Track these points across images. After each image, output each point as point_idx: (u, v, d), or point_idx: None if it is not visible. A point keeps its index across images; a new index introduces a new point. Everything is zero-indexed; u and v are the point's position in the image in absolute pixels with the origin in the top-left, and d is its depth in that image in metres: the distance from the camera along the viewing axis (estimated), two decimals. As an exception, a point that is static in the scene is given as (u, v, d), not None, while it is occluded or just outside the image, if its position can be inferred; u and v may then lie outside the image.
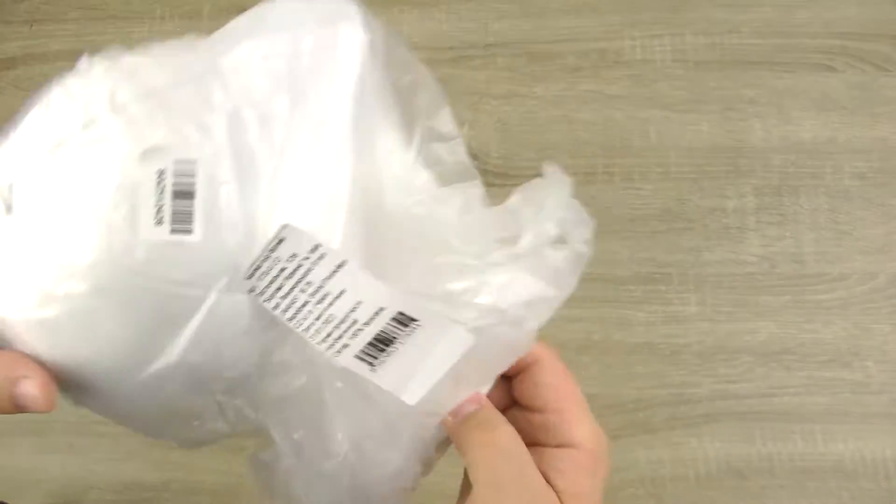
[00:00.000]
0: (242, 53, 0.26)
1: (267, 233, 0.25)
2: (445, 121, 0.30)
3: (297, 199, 0.26)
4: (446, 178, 0.29)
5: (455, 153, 0.30)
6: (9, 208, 0.25)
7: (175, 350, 0.26)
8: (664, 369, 0.68)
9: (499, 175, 0.74)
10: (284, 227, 0.25)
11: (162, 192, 0.24)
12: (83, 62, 0.27)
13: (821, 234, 0.72)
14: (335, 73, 0.27)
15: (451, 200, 0.29)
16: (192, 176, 0.25)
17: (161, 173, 0.24)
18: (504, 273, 0.28)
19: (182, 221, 0.25)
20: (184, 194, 0.24)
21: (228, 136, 0.25)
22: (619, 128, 0.75)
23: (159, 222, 0.24)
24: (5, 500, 0.66)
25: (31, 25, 0.79)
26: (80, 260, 0.24)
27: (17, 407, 0.26)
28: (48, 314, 0.25)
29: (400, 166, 0.29)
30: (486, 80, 0.77)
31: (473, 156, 0.80)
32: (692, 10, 0.78)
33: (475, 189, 0.30)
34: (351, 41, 0.27)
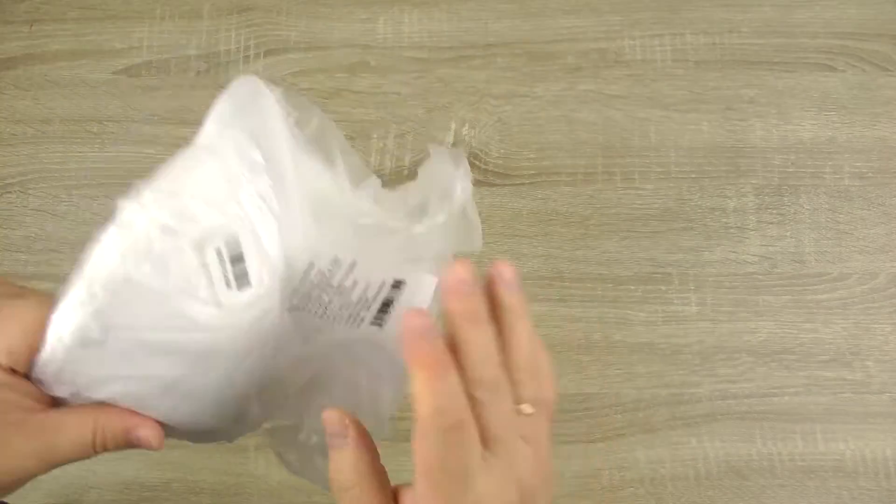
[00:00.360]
0: (225, 149, 0.34)
1: (293, 264, 0.34)
2: (343, 141, 0.38)
3: (297, 237, 0.34)
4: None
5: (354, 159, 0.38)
6: (100, 342, 0.31)
7: (265, 353, 0.35)
8: (664, 369, 0.68)
9: (499, 175, 0.74)
10: (312, 257, 0.34)
11: (223, 263, 0.32)
12: (119, 209, 0.31)
13: (821, 233, 0.72)
14: (276, 136, 0.34)
15: (366, 192, 0.37)
16: (238, 244, 0.32)
17: (219, 251, 0.32)
18: (436, 235, 0.36)
19: (243, 277, 0.32)
20: (237, 259, 0.32)
21: (247, 208, 0.33)
22: (619, 128, 0.75)
23: (228, 285, 0.32)
24: (5, 500, 0.66)
25: (31, 25, 0.79)
26: (183, 339, 0.32)
27: (130, 445, 0.33)
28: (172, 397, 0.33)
29: (330, 183, 0.37)
30: (486, 80, 0.77)
31: (474, 155, 0.80)
32: (692, 10, 0.78)
33: (376, 181, 0.38)
34: (273, 110, 0.34)
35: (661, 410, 0.68)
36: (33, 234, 0.73)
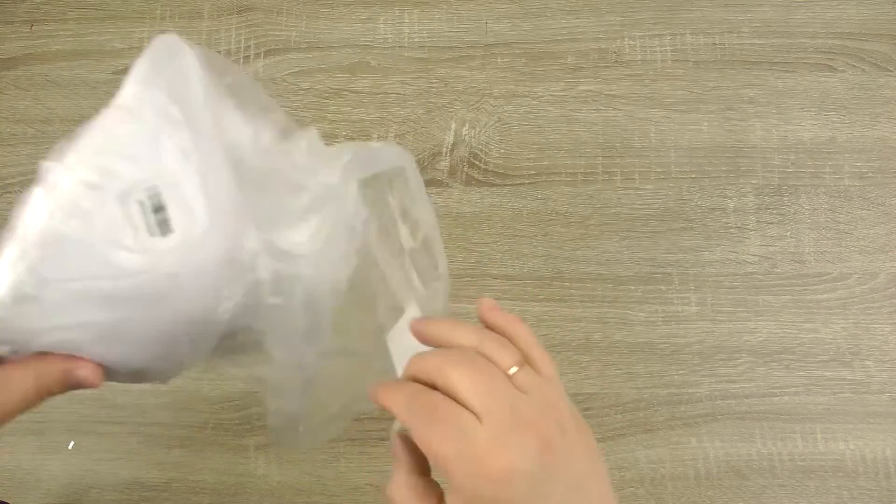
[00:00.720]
0: (143, 108, 0.36)
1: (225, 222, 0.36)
2: (266, 99, 0.40)
3: (208, 187, 0.36)
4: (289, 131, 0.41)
5: (281, 117, 0.41)
6: (35, 297, 0.33)
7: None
8: (664, 369, 0.69)
9: (499, 175, 0.74)
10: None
11: (145, 214, 0.34)
12: (44, 170, 0.34)
13: (821, 233, 0.72)
14: (193, 92, 0.37)
15: (295, 145, 0.39)
16: (159, 195, 0.34)
17: (142, 203, 0.34)
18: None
19: (164, 224, 0.35)
20: (159, 208, 0.34)
21: (167, 162, 0.35)
22: (619, 128, 0.75)
23: (152, 233, 0.34)
24: (5, 500, 0.66)
25: (31, 25, 0.79)
26: (112, 286, 0.34)
27: (71, 386, 0.35)
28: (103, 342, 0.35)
29: (248, 136, 0.39)
30: (486, 80, 0.77)
31: (474, 155, 0.80)
32: (692, 10, 0.78)
33: (311, 132, 0.40)
34: (191, 67, 0.37)
35: (660, 410, 0.68)
36: (33, 234, 0.73)
